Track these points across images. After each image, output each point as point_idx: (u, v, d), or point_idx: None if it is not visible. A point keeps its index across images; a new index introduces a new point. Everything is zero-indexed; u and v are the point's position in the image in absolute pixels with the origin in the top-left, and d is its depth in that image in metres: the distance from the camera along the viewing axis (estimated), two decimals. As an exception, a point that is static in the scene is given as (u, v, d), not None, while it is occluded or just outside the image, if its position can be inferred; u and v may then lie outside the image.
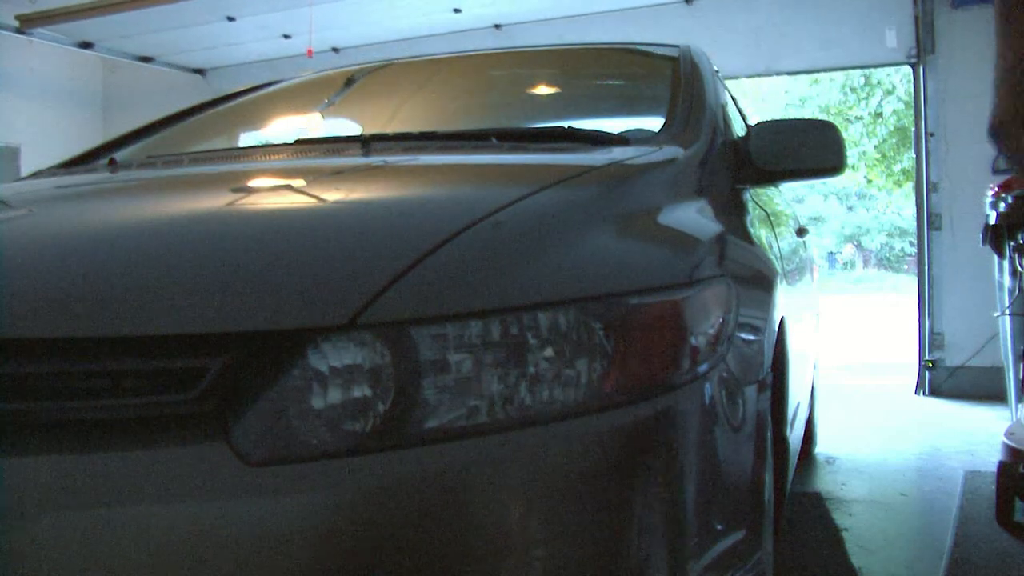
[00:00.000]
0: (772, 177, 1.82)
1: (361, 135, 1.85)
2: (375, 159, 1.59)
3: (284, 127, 2.76)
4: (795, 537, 2.72)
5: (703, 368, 1.08)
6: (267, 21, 6.89)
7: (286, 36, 7.12)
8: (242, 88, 2.70)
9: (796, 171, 1.81)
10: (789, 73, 8.29)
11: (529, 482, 0.92)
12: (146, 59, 8.01)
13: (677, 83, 1.96)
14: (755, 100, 18.71)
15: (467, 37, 6.92)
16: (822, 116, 14.59)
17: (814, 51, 6.28)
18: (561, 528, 0.93)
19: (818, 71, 10.75)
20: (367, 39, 7.23)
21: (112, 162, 1.94)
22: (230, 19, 6.82)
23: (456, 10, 6.60)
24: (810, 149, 1.77)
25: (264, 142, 2.37)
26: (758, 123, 1.85)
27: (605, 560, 0.95)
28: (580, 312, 0.98)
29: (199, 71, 8.31)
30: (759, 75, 6.77)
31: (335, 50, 7.50)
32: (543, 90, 2.63)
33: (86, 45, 7.61)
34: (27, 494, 0.87)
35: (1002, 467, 2.82)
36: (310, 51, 6.47)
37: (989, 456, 3.08)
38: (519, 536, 0.91)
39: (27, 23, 6.90)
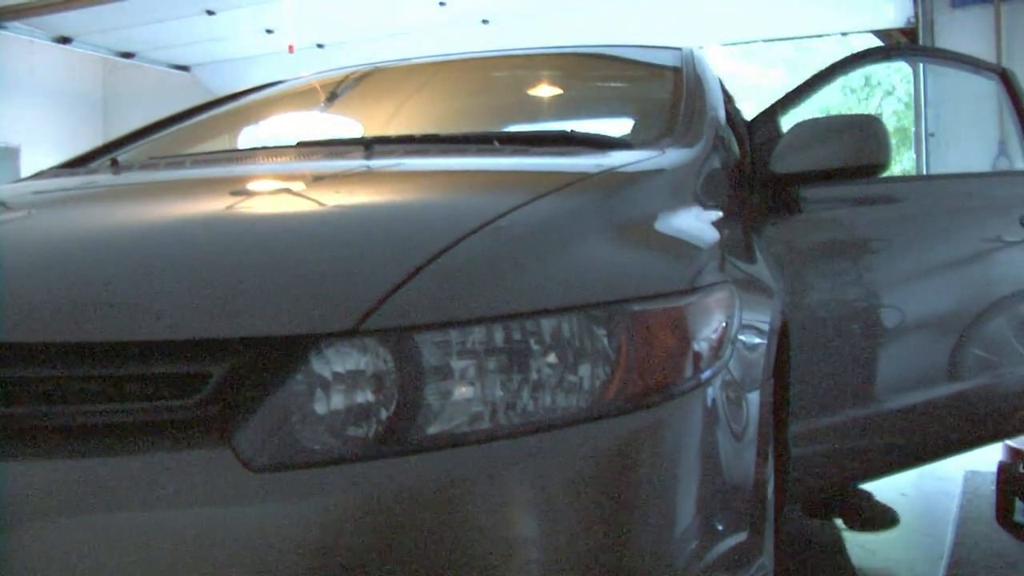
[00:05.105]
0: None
1: (363, 137, 1.85)
2: (377, 162, 1.59)
3: (285, 129, 2.76)
4: (796, 538, 2.72)
5: (706, 374, 1.07)
6: (248, 15, 6.75)
7: (268, 31, 6.96)
8: (243, 89, 2.70)
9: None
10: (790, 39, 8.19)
11: (532, 488, 0.92)
12: (127, 55, 7.77)
13: (679, 86, 1.95)
14: (755, 100, 18.69)
15: (454, 32, 6.77)
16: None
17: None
18: (563, 534, 0.92)
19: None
20: (352, 34, 7.08)
21: (114, 163, 1.94)
22: (210, 12, 6.66)
23: (441, 3, 6.48)
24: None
25: (265, 144, 2.36)
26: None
27: (607, 566, 0.95)
28: (583, 318, 0.98)
29: (183, 67, 8.09)
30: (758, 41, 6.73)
31: (319, 46, 7.34)
32: (543, 93, 2.62)
33: (64, 40, 7.37)
34: (29, 499, 0.87)
35: (1002, 467, 2.82)
36: (291, 47, 6.34)
37: (989, 456, 3.08)
38: (522, 542, 0.91)
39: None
